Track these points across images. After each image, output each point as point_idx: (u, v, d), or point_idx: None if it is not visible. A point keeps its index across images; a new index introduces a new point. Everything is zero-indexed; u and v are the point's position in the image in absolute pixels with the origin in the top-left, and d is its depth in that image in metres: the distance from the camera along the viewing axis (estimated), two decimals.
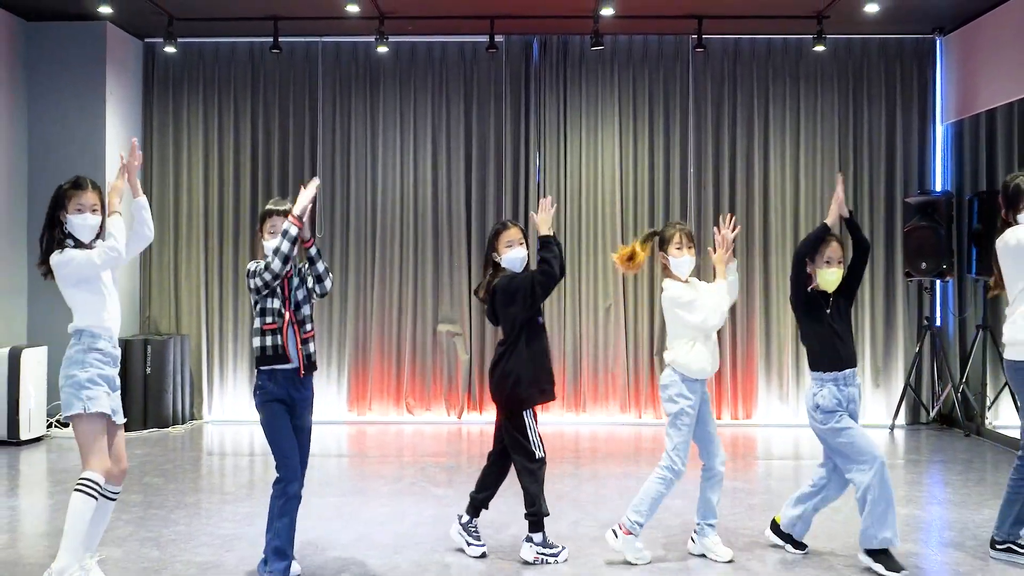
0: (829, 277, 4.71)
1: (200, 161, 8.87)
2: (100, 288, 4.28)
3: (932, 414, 8.42)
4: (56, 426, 8.02)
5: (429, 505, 5.76)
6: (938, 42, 8.75)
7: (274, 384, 4.32)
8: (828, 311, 4.72)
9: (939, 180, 8.73)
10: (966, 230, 8.11)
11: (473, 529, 4.89)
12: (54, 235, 4.28)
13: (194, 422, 8.71)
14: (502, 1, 7.83)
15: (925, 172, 8.69)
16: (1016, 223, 4.65)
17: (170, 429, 8.24)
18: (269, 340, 4.31)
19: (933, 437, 7.98)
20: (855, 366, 4.75)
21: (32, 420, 7.66)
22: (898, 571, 4.47)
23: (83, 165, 8.13)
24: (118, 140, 8.44)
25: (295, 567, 4.43)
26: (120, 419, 4.34)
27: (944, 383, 8.40)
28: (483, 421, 8.59)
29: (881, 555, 4.54)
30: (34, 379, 7.69)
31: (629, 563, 4.67)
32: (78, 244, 4.26)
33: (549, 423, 8.40)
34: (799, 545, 4.89)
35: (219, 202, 8.86)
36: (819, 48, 8.21)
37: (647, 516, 4.70)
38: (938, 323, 8.57)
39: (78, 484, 4.13)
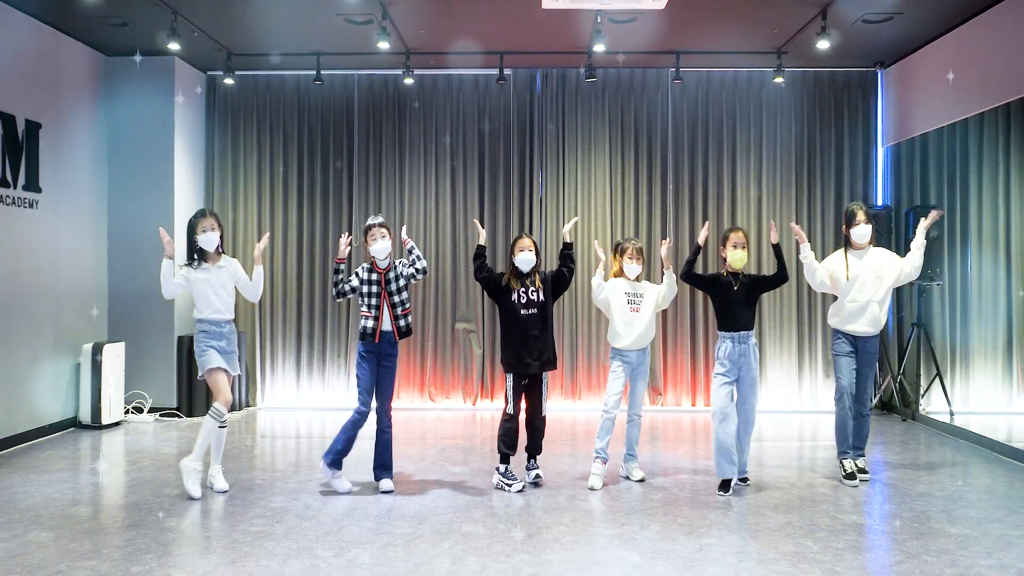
0: (735, 256, 5.38)
1: (254, 177, 8.72)
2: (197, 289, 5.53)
3: (874, 402, 8.25)
4: (132, 412, 7.97)
5: (448, 481, 5.68)
6: (879, 74, 8.57)
7: (364, 347, 5.33)
8: (735, 287, 5.36)
9: (880, 195, 8.57)
10: (904, 240, 7.95)
11: (532, 469, 5.58)
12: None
13: (249, 408, 8.64)
14: (510, 39, 7.70)
15: (868, 188, 8.54)
16: None
17: (228, 415, 8.12)
18: (362, 322, 5.35)
19: (875, 422, 7.79)
20: (749, 330, 5.35)
21: (112, 407, 7.57)
22: (725, 492, 5.32)
23: (155, 181, 8.07)
24: (185, 160, 8.30)
25: (341, 480, 5.37)
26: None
27: (884, 374, 8.29)
28: (495, 408, 8.51)
29: (722, 484, 5.34)
30: (114, 371, 7.60)
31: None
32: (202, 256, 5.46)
33: (550, 409, 8.24)
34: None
35: (270, 214, 8.71)
36: (778, 80, 8.05)
37: (598, 442, 5.61)
38: None
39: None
